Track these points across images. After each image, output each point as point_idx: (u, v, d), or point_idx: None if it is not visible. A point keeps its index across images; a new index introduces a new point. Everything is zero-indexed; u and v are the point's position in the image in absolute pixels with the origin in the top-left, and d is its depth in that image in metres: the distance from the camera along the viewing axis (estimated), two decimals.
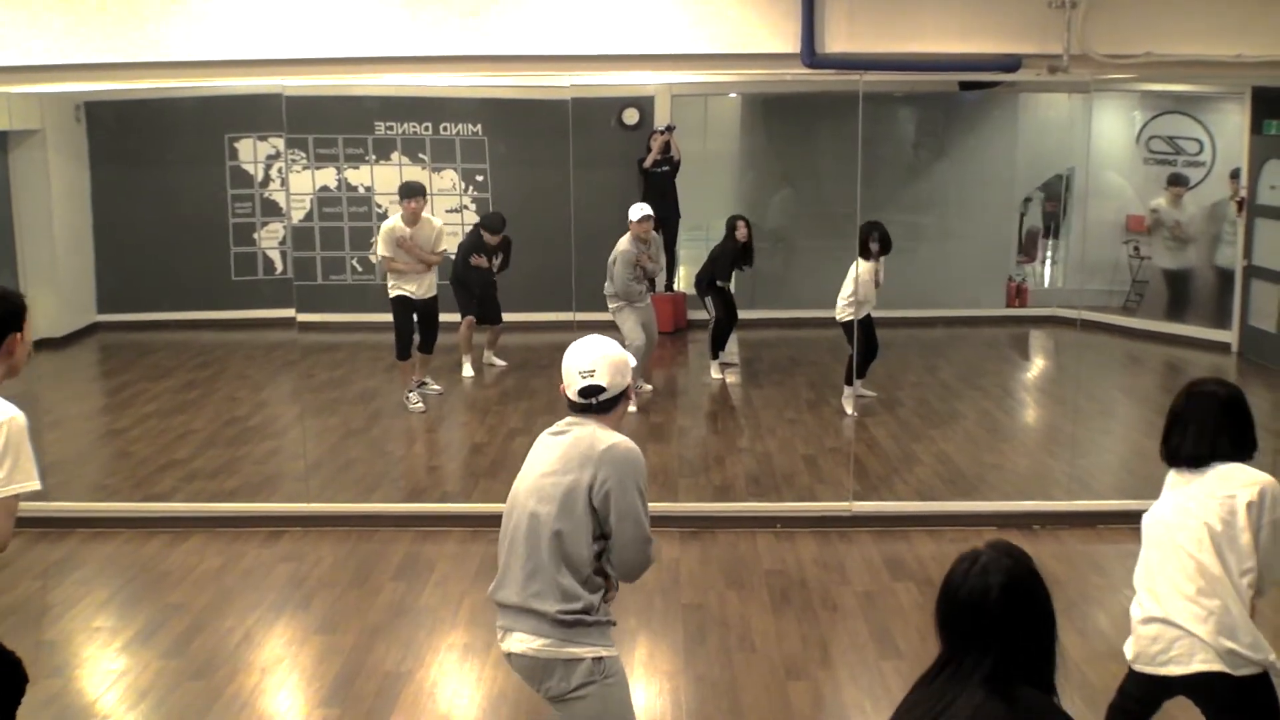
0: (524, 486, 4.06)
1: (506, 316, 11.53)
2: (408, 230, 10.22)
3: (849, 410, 10.14)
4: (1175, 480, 4.35)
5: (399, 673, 5.95)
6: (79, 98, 12.82)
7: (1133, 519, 8.00)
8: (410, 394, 10.45)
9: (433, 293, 10.52)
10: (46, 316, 11.77)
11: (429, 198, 10.72)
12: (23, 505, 8.22)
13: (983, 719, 2.66)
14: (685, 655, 6.12)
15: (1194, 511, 4.20)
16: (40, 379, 10.15)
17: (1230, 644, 4.02)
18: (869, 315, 10.08)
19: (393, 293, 10.43)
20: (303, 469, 8.67)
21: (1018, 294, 14.53)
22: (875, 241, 9.91)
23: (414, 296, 10.40)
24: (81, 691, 5.86)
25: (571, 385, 4.02)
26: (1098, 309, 13.43)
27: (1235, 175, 12.58)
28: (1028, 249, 15.19)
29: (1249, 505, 4.14)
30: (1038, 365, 13.54)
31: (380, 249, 10.41)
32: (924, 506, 8.15)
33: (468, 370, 11.34)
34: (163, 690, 5.82)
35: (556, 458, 4.02)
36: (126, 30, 7.48)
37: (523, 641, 3.99)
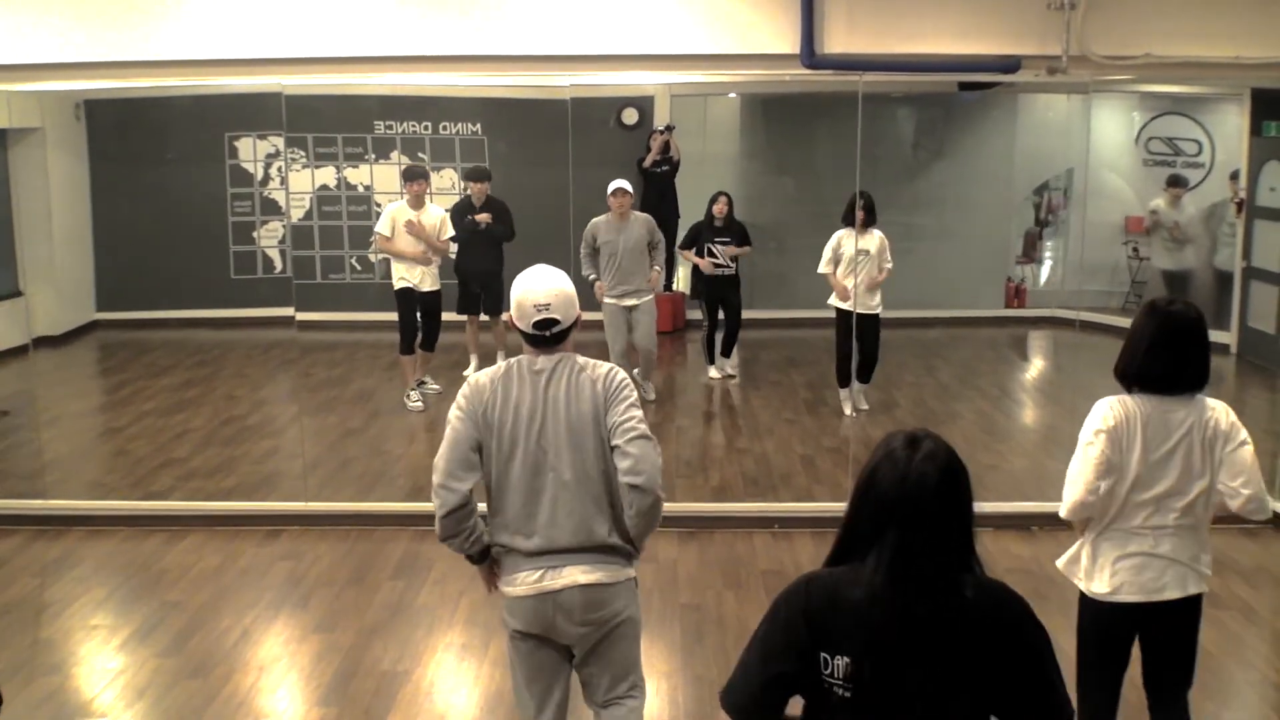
0: (537, 428, 4.04)
1: (505, 316, 11.51)
2: (415, 213, 10.25)
3: (847, 411, 10.15)
4: (1148, 403, 4.23)
5: (397, 672, 5.95)
6: (79, 96, 12.83)
7: None
8: (410, 392, 10.45)
9: (436, 287, 10.51)
10: (46, 314, 11.78)
11: (429, 195, 10.70)
12: (22, 503, 8.30)
13: (986, 604, 2.68)
14: (683, 655, 6.12)
15: (1183, 439, 4.22)
16: (39, 376, 10.15)
17: (1205, 569, 4.34)
18: (872, 314, 9.98)
19: (396, 285, 10.44)
20: (301, 468, 8.67)
21: (1016, 294, 14.53)
22: (862, 209, 9.64)
23: (417, 289, 10.41)
24: (79, 689, 5.86)
25: (526, 318, 4.05)
26: (1097, 310, 13.43)
27: (1234, 177, 12.58)
28: (1027, 249, 15.19)
29: (1219, 429, 4.25)
30: (1036, 366, 13.55)
31: (379, 226, 10.42)
32: None
33: (472, 367, 11.26)
34: (160, 688, 5.82)
35: (562, 394, 4.05)
36: (127, 28, 7.48)
37: (587, 573, 4.07)
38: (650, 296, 10.37)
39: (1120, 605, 4.32)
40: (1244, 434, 4.28)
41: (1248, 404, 11.28)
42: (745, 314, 11.39)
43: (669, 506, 8.05)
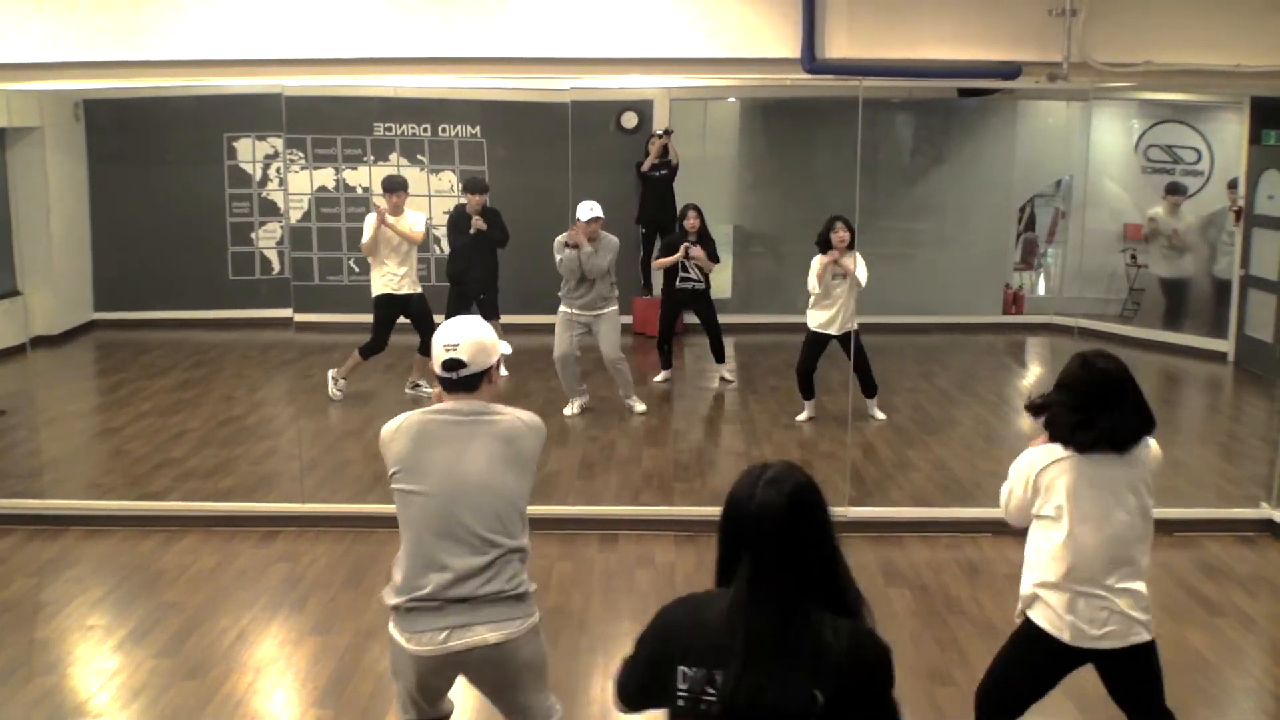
0: (446, 475, 4.04)
1: (510, 319, 11.54)
2: (393, 219, 10.40)
3: (800, 416, 10.19)
4: (1087, 460, 4.28)
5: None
6: (78, 95, 12.81)
7: None
8: (340, 381, 10.63)
9: (417, 289, 10.60)
10: (43, 314, 11.76)
11: (428, 198, 10.72)
12: (18, 502, 8.29)
13: (846, 637, 2.84)
14: None
15: (1124, 491, 4.30)
16: (36, 376, 10.14)
17: (1148, 616, 4.34)
18: (848, 334, 9.87)
19: (375, 292, 10.56)
20: (298, 469, 8.67)
21: (1014, 301, 14.54)
22: (838, 230, 9.68)
23: (396, 293, 10.49)
24: (74, 690, 5.85)
25: (436, 359, 4.12)
26: (1095, 317, 13.43)
27: (1233, 185, 12.59)
28: (1025, 256, 15.20)
29: (1151, 477, 4.36)
30: (1034, 373, 13.55)
31: (364, 237, 10.55)
32: (919, 512, 8.15)
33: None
34: (156, 689, 5.81)
35: (481, 439, 4.08)
36: (126, 28, 7.47)
37: (496, 630, 4.04)
38: (612, 308, 10.31)
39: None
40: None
41: (1245, 412, 11.31)
42: (743, 319, 11.39)
43: (668, 510, 8.14)
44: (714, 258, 11.03)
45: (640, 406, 10.47)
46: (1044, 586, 4.36)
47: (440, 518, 4.03)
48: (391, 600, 4.11)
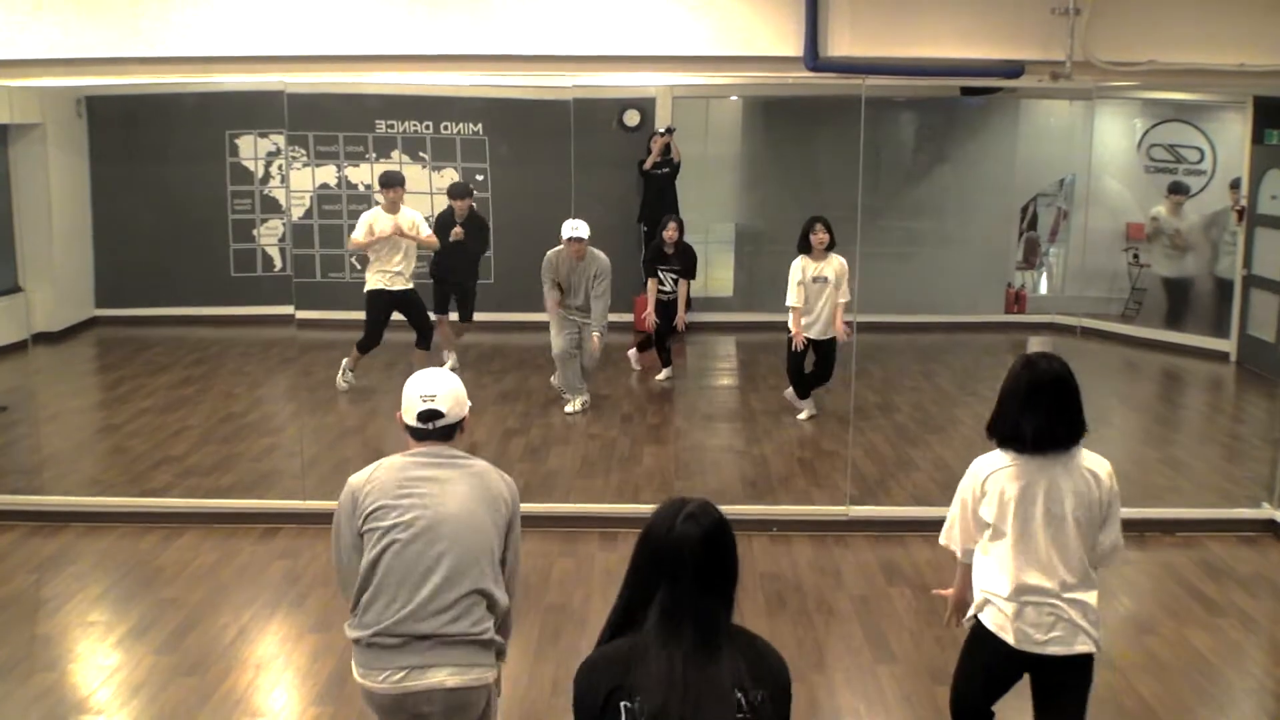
0: (429, 508, 3.99)
1: (504, 317, 11.56)
2: (391, 218, 10.44)
3: (801, 415, 10.20)
4: (1030, 462, 4.32)
5: None
6: (80, 92, 12.81)
7: (1128, 526, 8.00)
8: (349, 373, 10.69)
9: (409, 285, 10.65)
10: (45, 310, 11.77)
11: (430, 195, 10.71)
12: (19, 499, 8.30)
13: (760, 655, 3.03)
14: None
15: (1067, 496, 4.31)
16: (37, 373, 10.15)
17: (1095, 629, 4.34)
18: (828, 339, 9.91)
19: (368, 286, 10.64)
20: (299, 466, 8.66)
21: (1017, 300, 14.52)
22: (818, 232, 9.74)
23: (390, 289, 10.55)
24: (75, 686, 5.85)
25: (411, 409, 4.11)
26: (1097, 316, 13.42)
27: (1236, 184, 12.58)
28: (1027, 255, 15.18)
29: (1103, 487, 4.39)
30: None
31: (355, 234, 10.61)
32: (921, 512, 8.13)
33: (452, 363, 11.33)
34: (156, 686, 5.81)
35: (460, 480, 4.07)
36: (129, 25, 7.47)
37: (455, 674, 3.97)
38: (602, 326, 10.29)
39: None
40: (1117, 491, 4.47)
41: (1247, 412, 11.30)
42: (744, 317, 11.35)
43: None
44: (692, 268, 11.07)
45: (576, 406, 10.36)
46: (993, 592, 4.37)
47: (415, 553, 3.96)
48: (353, 634, 4.05)
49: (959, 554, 4.61)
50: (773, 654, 3.07)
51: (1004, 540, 4.34)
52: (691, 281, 11.17)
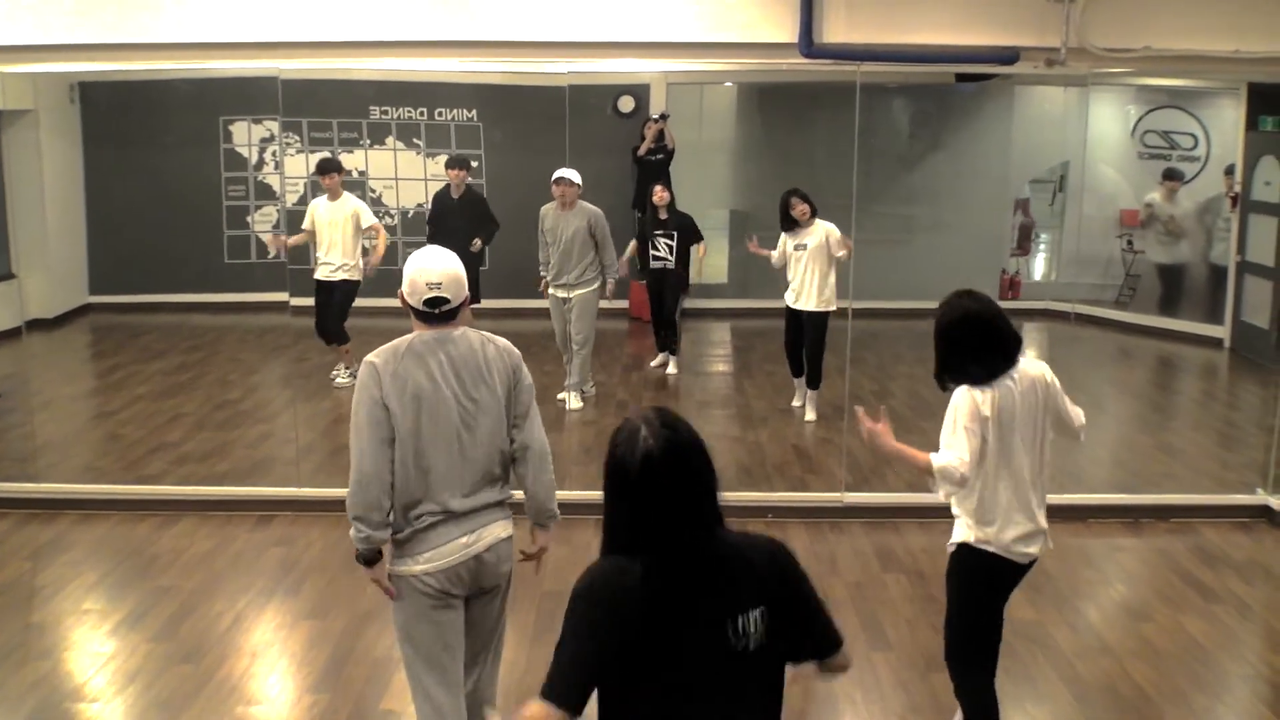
0: (452, 391, 4.19)
1: (499, 303, 11.55)
2: (330, 207, 10.53)
3: (795, 402, 10.22)
4: (999, 390, 4.52)
5: (389, 659, 5.93)
6: (74, 78, 12.80)
7: (1123, 513, 8.09)
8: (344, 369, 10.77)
9: (342, 277, 10.59)
10: (39, 297, 11.75)
11: (424, 181, 10.70)
12: (13, 486, 8.28)
13: (772, 550, 3.01)
14: None
15: (1035, 416, 4.61)
16: (31, 360, 10.13)
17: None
18: (815, 312, 9.77)
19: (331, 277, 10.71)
20: (294, 453, 8.66)
21: (1011, 287, 14.53)
22: (795, 205, 9.69)
23: (320, 279, 10.64)
24: (70, 674, 5.85)
25: (418, 294, 4.18)
26: (1091, 302, 13.44)
27: (1230, 171, 12.60)
28: (1021, 241, 15.19)
29: (1052, 387, 4.69)
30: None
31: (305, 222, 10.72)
32: (916, 498, 8.13)
33: None
34: (151, 673, 5.81)
35: (472, 359, 4.24)
36: (122, 11, 7.45)
37: (504, 528, 4.38)
38: (588, 290, 10.09)
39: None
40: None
41: (1241, 398, 11.32)
42: (739, 303, 11.33)
43: None
44: (690, 232, 11.04)
45: (576, 404, 10.15)
46: (985, 519, 4.58)
47: (446, 436, 4.18)
48: (409, 526, 4.23)
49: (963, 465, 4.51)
50: (768, 554, 2.99)
51: (989, 465, 4.54)
52: (703, 243, 11.13)
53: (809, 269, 9.67)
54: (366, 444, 4.13)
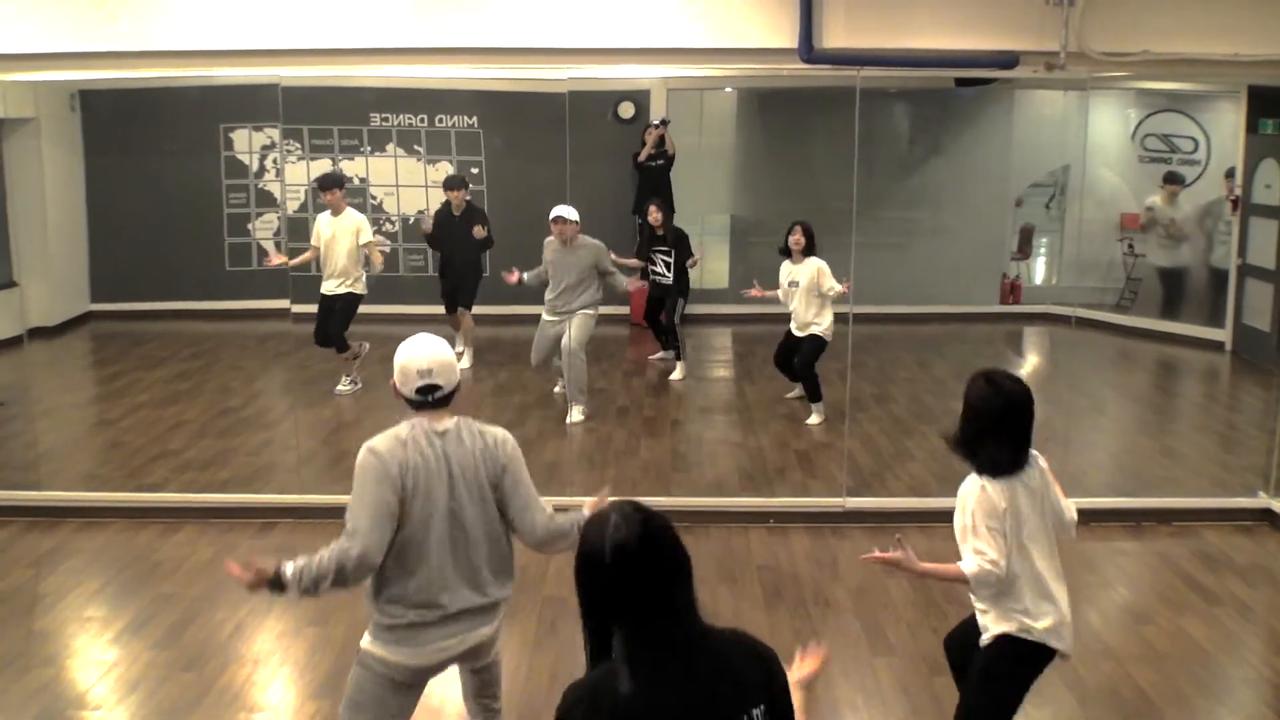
0: (447, 489, 4.08)
1: (500, 309, 11.56)
2: (333, 222, 10.64)
3: (790, 394, 10.41)
4: (1016, 481, 4.39)
5: None
6: (74, 86, 12.82)
7: (1125, 517, 8.08)
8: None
9: (344, 290, 10.71)
10: (40, 305, 11.76)
11: (425, 188, 10.70)
12: (15, 494, 8.29)
13: (764, 658, 2.84)
14: None
15: (1045, 504, 4.44)
16: (33, 368, 10.13)
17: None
18: (810, 335, 9.95)
19: (345, 291, 10.81)
20: (295, 460, 8.66)
21: (1012, 291, 14.53)
22: (795, 234, 9.90)
23: (323, 293, 10.76)
24: (72, 682, 5.85)
25: (409, 384, 4.10)
26: (1092, 306, 13.44)
27: (1230, 174, 12.59)
28: (1022, 245, 15.19)
29: (1045, 474, 4.50)
30: (1031, 362, 13.54)
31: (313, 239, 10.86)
32: (917, 503, 8.15)
33: (466, 359, 11.50)
34: (154, 681, 5.81)
35: (467, 454, 4.13)
36: (123, 19, 7.46)
37: (488, 629, 4.26)
38: (585, 310, 10.08)
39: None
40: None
41: (1242, 401, 11.31)
42: (740, 309, 11.35)
43: (665, 501, 8.13)
44: (685, 247, 11.24)
45: (578, 416, 10.03)
46: (1025, 611, 4.36)
47: (441, 530, 4.07)
48: (389, 617, 4.10)
49: (997, 567, 4.32)
50: (757, 654, 2.87)
51: (1012, 554, 4.34)
52: (694, 258, 11.35)
53: (803, 304, 9.94)
54: (365, 522, 4.01)
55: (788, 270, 10.01)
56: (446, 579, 4.08)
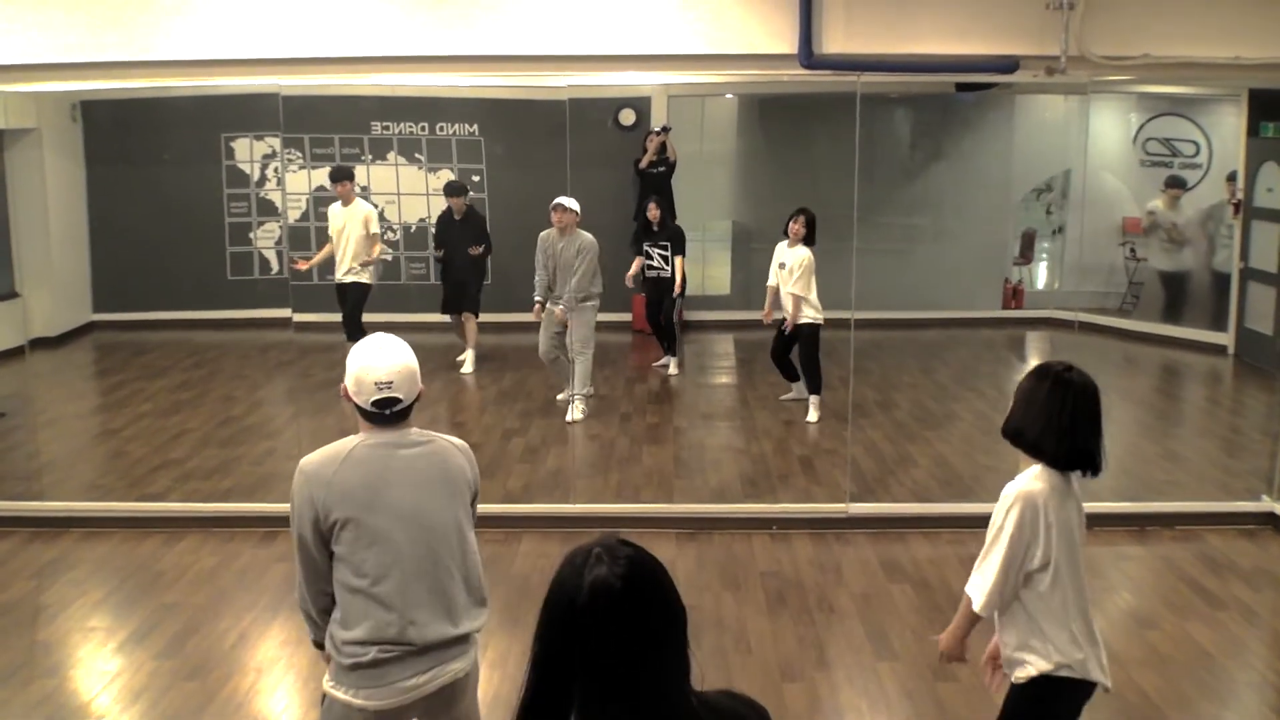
0: (409, 510, 3.69)
1: (502, 317, 11.57)
2: (343, 212, 11.08)
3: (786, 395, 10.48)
4: (1062, 480, 3.91)
5: None
6: (75, 96, 12.81)
7: (1128, 521, 8.08)
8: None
9: (352, 279, 11.08)
10: (42, 315, 11.76)
11: (426, 196, 10.75)
12: (18, 505, 8.28)
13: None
14: None
15: (1079, 509, 3.98)
16: (35, 378, 10.13)
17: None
18: (800, 324, 10.06)
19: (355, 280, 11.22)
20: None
21: (1014, 295, 14.53)
22: (795, 222, 9.99)
23: (335, 280, 11.14)
24: (76, 692, 5.85)
25: (365, 394, 3.69)
26: (1094, 311, 13.44)
27: (1232, 178, 12.59)
28: (1024, 250, 15.19)
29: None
30: (1033, 367, 13.55)
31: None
32: (920, 508, 8.15)
33: (469, 364, 11.75)
34: (157, 691, 5.80)
35: (432, 472, 3.77)
36: (123, 29, 7.46)
37: (459, 666, 3.81)
38: (586, 304, 10.16)
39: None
40: None
41: (1245, 405, 11.30)
42: (742, 315, 11.37)
43: (668, 508, 8.13)
44: (681, 244, 11.45)
45: (577, 415, 10.10)
46: (1069, 639, 3.87)
47: (414, 560, 3.68)
48: (353, 657, 3.69)
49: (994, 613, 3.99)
50: (756, 710, 2.45)
51: (1058, 574, 3.86)
52: (683, 257, 11.46)
53: (790, 286, 9.99)
54: (300, 564, 3.74)
55: (780, 252, 10.10)
56: (413, 610, 3.66)
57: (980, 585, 3.95)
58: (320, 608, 3.79)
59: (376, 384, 3.68)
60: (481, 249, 11.48)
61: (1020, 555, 3.86)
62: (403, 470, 3.71)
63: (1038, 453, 3.93)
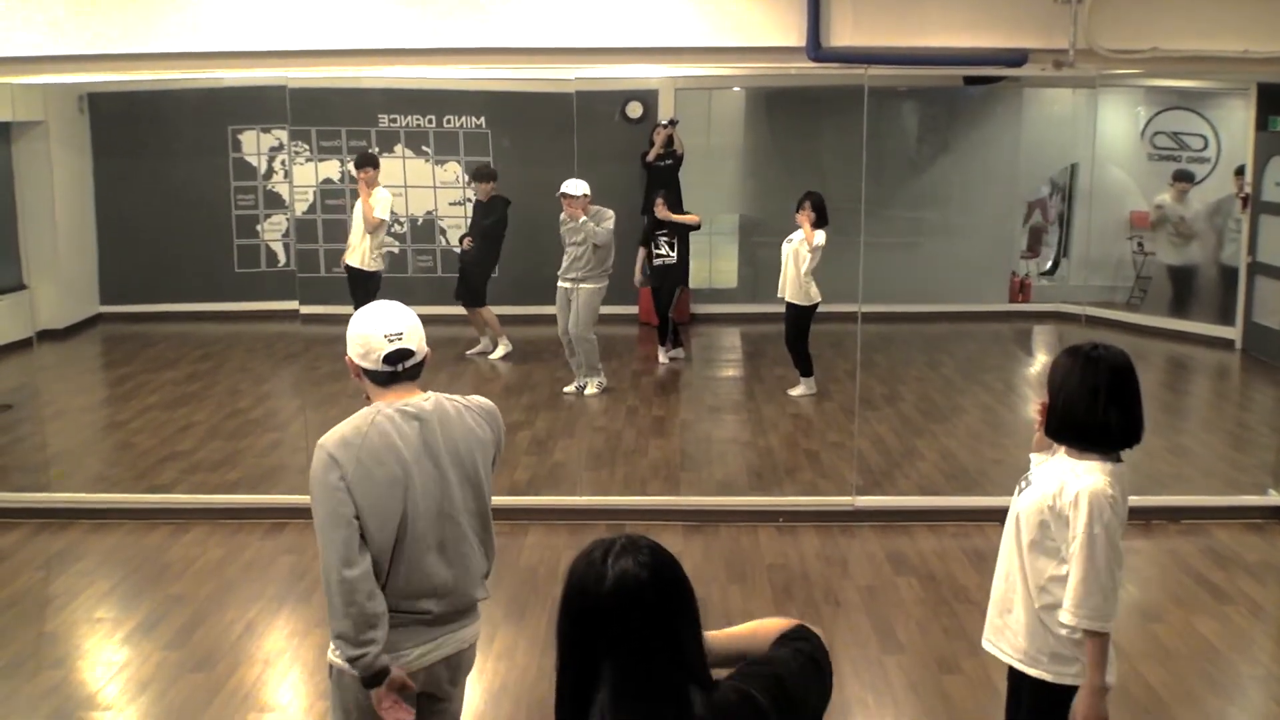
0: (434, 476, 3.58)
1: (509, 309, 11.58)
2: (362, 198, 11.05)
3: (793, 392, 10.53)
4: (1118, 469, 3.87)
5: None
6: (82, 89, 12.83)
7: (1134, 514, 8.01)
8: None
9: (362, 265, 11.07)
10: (49, 307, 11.78)
11: (433, 189, 10.76)
12: (26, 496, 8.30)
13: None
14: None
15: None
16: (42, 370, 10.14)
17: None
18: (792, 304, 10.25)
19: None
20: (305, 461, 8.62)
21: (1021, 289, 14.52)
22: (804, 208, 10.08)
23: (350, 264, 11.16)
24: (83, 683, 5.86)
25: (374, 351, 3.60)
26: (1102, 305, 13.42)
27: (1240, 171, 12.56)
28: (1032, 244, 15.18)
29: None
30: (1041, 361, 13.52)
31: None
32: (927, 501, 8.15)
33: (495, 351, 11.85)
34: (164, 682, 5.81)
35: (453, 435, 3.64)
36: (130, 22, 7.47)
37: (474, 632, 3.82)
38: (592, 285, 10.36)
39: None
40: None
41: (1253, 399, 11.29)
42: (749, 308, 11.37)
43: (675, 500, 8.13)
44: (686, 235, 11.58)
45: (593, 389, 10.50)
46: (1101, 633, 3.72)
47: (424, 526, 3.58)
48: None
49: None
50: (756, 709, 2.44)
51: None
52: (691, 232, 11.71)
53: (788, 262, 10.17)
54: (341, 546, 3.45)
55: (794, 232, 10.21)
56: (434, 581, 3.61)
57: (1091, 603, 3.68)
58: (364, 602, 3.47)
59: (387, 336, 3.60)
60: (469, 245, 11.67)
61: (1120, 552, 3.71)
62: (420, 442, 3.57)
63: (1089, 443, 3.80)
